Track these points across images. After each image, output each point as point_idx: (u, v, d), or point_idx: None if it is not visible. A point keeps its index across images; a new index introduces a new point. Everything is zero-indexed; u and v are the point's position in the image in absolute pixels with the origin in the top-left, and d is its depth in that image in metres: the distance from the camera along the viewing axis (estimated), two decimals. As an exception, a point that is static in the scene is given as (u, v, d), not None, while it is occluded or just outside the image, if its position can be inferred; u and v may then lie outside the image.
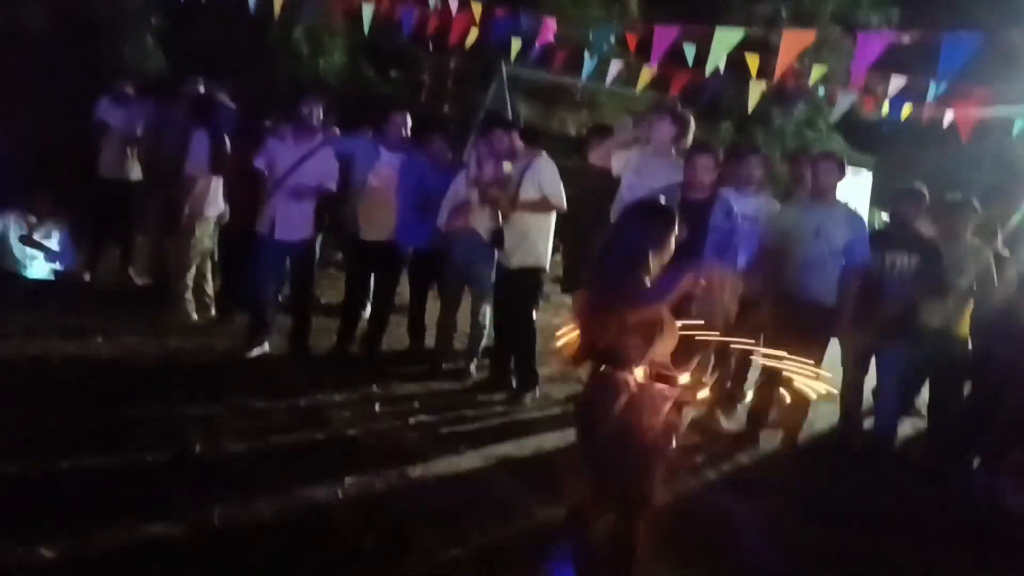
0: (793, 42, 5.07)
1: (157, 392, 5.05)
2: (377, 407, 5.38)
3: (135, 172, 7.59)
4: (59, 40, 9.87)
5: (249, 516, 3.72)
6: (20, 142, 7.49)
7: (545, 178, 5.86)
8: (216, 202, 6.70)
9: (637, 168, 5.60)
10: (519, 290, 5.91)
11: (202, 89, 7.25)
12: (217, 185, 6.65)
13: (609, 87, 9.18)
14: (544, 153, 6.02)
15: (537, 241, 5.90)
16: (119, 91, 7.58)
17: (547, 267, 6.09)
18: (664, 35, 5.72)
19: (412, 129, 6.52)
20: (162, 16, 9.83)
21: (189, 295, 6.67)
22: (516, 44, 7.58)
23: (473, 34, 7.33)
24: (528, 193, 5.82)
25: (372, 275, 6.60)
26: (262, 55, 10.09)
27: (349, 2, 7.60)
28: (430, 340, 6.65)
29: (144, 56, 9.54)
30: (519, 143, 6.00)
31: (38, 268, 6.77)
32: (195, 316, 6.67)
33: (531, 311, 5.98)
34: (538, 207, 5.84)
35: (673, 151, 5.59)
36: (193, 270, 6.68)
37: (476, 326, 6.26)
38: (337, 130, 6.70)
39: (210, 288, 6.91)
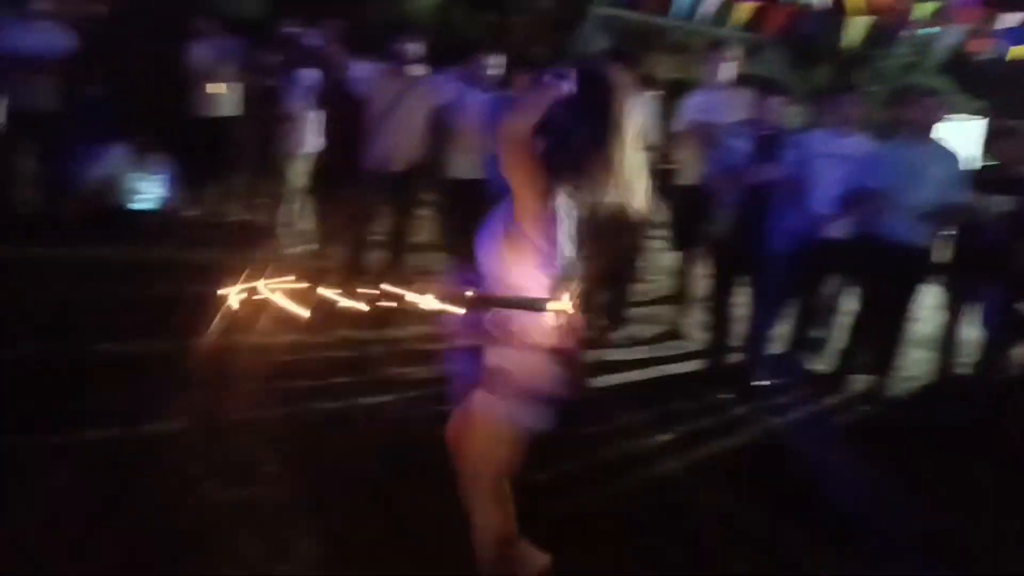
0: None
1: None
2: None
3: (228, 109, 7.81)
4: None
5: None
6: (124, 83, 7.81)
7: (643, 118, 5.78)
8: (310, 140, 6.89)
9: (703, 108, 5.73)
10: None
11: (294, 30, 7.42)
12: (310, 123, 6.83)
13: (700, 26, 8.98)
14: (648, 94, 5.90)
15: (636, 181, 5.82)
16: (212, 31, 7.80)
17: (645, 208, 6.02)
18: None
19: (504, 71, 6.53)
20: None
21: (283, 230, 6.91)
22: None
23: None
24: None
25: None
26: (356, -4, 10.21)
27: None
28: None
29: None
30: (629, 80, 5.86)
31: (146, 203, 7.10)
32: (291, 251, 6.91)
33: (629, 256, 6.01)
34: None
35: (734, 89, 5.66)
36: (289, 205, 6.91)
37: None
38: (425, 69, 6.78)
39: (304, 223, 7.13)
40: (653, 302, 6.90)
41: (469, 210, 6.36)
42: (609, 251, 2.76)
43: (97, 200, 6.89)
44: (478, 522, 2.64)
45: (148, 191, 7.11)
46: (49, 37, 6.69)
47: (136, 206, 7.00)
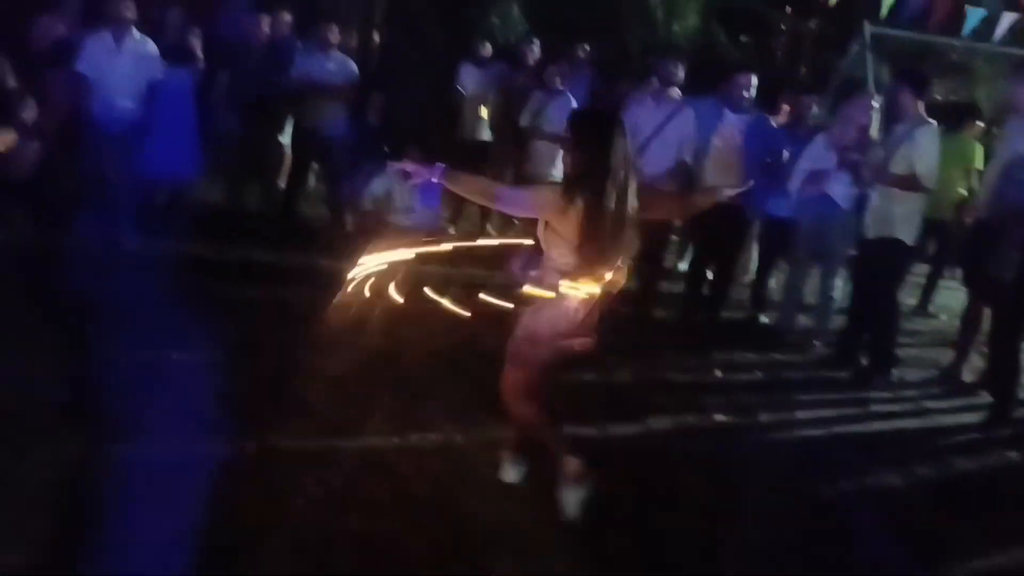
0: None
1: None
2: (718, 372, 5.36)
3: (487, 133, 8.06)
4: (433, 12, 10.85)
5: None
6: (398, 105, 8.33)
7: (919, 152, 5.30)
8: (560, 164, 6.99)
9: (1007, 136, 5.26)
10: (878, 262, 5.53)
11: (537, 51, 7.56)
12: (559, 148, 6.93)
13: (993, 47, 8.21)
14: (933, 124, 5.40)
15: (902, 210, 5.43)
16: (478, 56, 8.13)
17: (911, 241, 5.60)
18: None
19: (760, 92, 6.32)
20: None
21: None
22: (887, 0, 7.05)
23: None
24: (899, 166, 5.35)
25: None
26: (617, 21, 10.33)
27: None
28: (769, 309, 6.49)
29: (509, 24, 10.17)
30: (911, 105, 5.42)
31: (414, 220, 7.49)
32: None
33: (892, 287, 5.59)
34: (904, 183, 5.33)
35: None
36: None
37: (825, 298, 5.98)
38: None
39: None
40: (931, 342, 6.38)
41: (724, 232, 6.27)
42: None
43: (374, 216, 7.36)
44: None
45: (417, 209, 7.50)
46: (336, 65, 7.27)
47: (406, 223, 7.40)
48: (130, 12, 6.28)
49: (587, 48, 7.77)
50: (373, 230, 7.29)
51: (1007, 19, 6.64)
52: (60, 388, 3.83)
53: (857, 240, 5.70)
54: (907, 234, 5.46)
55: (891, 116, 5.50)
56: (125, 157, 6.31)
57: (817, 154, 5.75)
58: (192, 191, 7.45)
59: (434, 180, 3.23)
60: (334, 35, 7.37)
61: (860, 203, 5.50)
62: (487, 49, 8.12)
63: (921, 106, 5.42)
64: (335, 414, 4.03)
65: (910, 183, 5.33)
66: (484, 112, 7.86)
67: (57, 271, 5.45)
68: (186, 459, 3.34)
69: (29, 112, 6.34)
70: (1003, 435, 4.88)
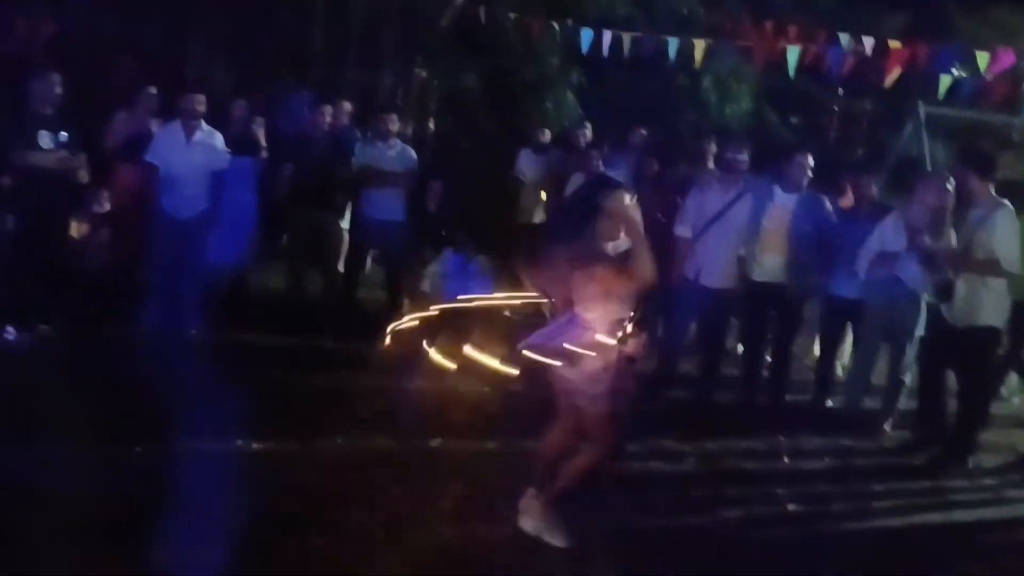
0: None
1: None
2: (786, 459, 5.22)
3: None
4: (489, 100, 11.12)
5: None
6: (453, 192, 8.45)
7: (999, 237, 5.15)
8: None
9: None
10: (972, 352, 5.34)
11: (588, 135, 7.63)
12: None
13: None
14: (1009, 206, 5.28)
15: (991, 296, 5.26)
16: (536, 142, 8.25)
17: (1001, 326, 5.42)
18: None
19: (814, 172, 6.29)
20: (581, 73, 10.62)
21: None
22: (944, 80, 7.04)
23: (895, 74, 6.99)
24: (979, 251, 5.20)
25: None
26: (669, 105, 10.46)
27: (769, 48, 7.60)
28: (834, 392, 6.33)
29: (564, 111, 10.36)
30: (979, 188, 5.35)
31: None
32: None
33: (986, 376, 5.43)
34: (984, 269, 5.19)
35: None
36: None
37: (896, 381, 5.82)
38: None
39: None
40: (1005, 426, 6.17)
41: (772, 312, 6.16)
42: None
43: (431, 300, 7.41)
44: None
45: (468, 291, 7.52)
46: (396, 153, 7.42)
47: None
48: (201, 106, 6.51)
49: (643, 132, 7.84)
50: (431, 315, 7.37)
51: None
52: (128, 478, 3.86)
53: (940, 327, 5.53)
54: (998, 320, 5.32)
55: (959, 199, 5.38)
56: (191, 245, 6.48)
57: (887, 235, 5.66)
58: (253, 278, 7.62)
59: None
60: (393, 124, 7.55)
61: (942, 289, 5.33)
62: (545, 136, 8.25)
63: (991, 188, 5.33)
64: (401, 502, 3.99)
65: (993, 269, 5.18)
66: (543, 196, 7.93)
67: (123, 358, 5.58)
68: (251, 550, 3.31)
69: (101, 204, 6.59)
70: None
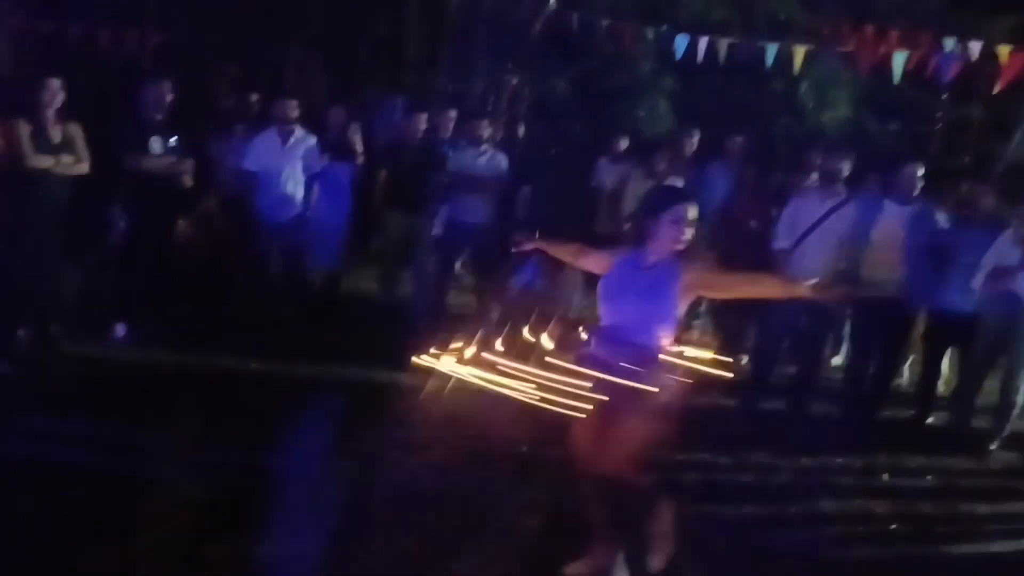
0: None
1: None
2: (886, 476, 5.04)
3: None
4: (580, 106, 11.10)
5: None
6: (541, 198, 8.43)
7: None
8: None
9: None
10: None
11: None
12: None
13: None
14: None
15: None
16: (614, 150, 8.14)
17: None
18: None
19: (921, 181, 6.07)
20: (674, 79, 10.49)
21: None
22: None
23: (1004, 79, 6.71)
24: None
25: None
26: (764, 112, 10.26)
27: (871, 53, 7.38)
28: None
29: (656, 117, 10.25)
30: None
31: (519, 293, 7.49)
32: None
33: None
34: None
35: None
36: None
37: (1007, 400, 5.57)
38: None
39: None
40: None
41: (884, 326, 5.96)
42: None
43: (520, 305, 7.43)
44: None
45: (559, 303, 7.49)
46: (488, 159, 7.48)
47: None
48: (294, 112, 6.75)
49: (740, 139, 7.68)
50: (519, 318, 7.39)
51: None
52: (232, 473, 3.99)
53: None
54: None
55: None
56: (289, 247, 6.68)
57: (1004, 249, 5.43)
58: (347, 280, 7.78)
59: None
60: (485, 129, 7.61)
61: None
62: (623, 143, 8.11)
63: None
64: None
65: None
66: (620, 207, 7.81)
67: (227, 355, 5.78)
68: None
69: (204, 207, 6.85)
70: None
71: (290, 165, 6.76)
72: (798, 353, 6.26)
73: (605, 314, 3.42)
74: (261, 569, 3.26)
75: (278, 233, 6.78)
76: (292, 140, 6.77)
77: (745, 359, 6.43)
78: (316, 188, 6.99)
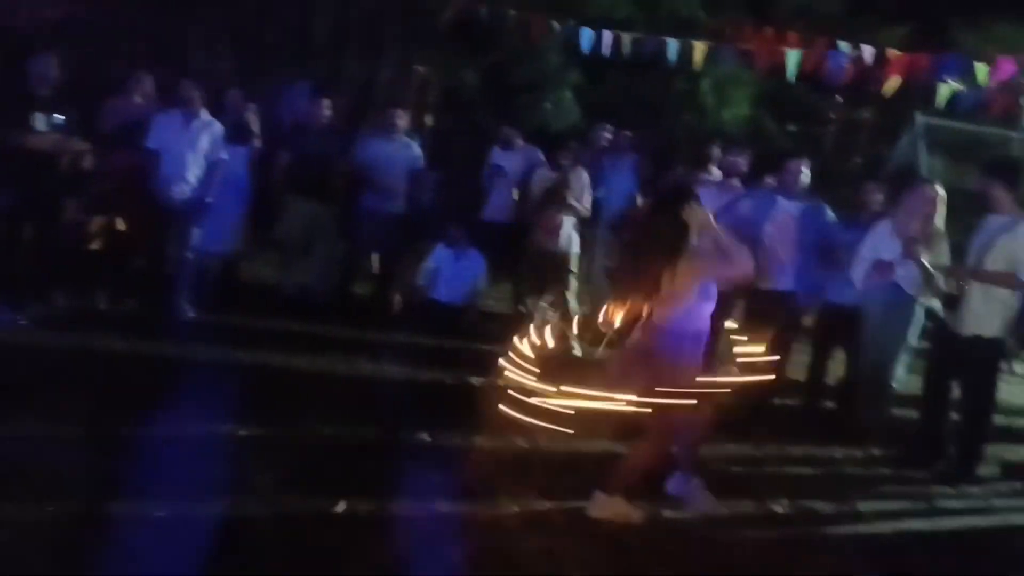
0: None
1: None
2: (772, 464, 5.19)
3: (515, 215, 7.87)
4: (487, 99, 11.11)
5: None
6: (448, 186, 8.41)
7: (1021, 248, 5.09)
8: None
9: None
10: (975, 360, 5.31)
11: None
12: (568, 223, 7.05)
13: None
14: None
15: (1001, 305, 5.22)
16: (506, 140, 8.14)
17: (1004, 335, 5.42)
18: None
19: (813, 181, 6.29)
20: (580, 73, 10.60)
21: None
22: (944, 90, 7.06)
23: (894, 82, 7.00)
24: (995, 262, 5.13)
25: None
26: (667, 108, 10.47)
27: (769, 53, 7.60)
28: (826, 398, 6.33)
29: (562, 110, 10.34)
30: (1004, 198, 5.24)
31: (457, 296, 7.47)
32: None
33: (990, 384, 5.35)
34: (1000, 280, 5.13)
35: None
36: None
37: (887, 388, 5.81)
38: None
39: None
40: (1006, 438, 6.15)
41: (773, 319, 6.15)
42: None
43: (419, 291, 7.41)
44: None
45: (458, 287, 7.49)
46: (398, 148, 7.42)
47: (447, 300, 7.40)
48: (198, 94, 6.56)
49: (629, 134, 7.81)
50: (422, 307, 7.37)
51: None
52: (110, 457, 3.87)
53: (944, 337, 5.53)
54: (1003, 330, 5.34)
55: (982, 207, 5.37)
56: (186, 232, 6.49)
57: (881, 243, 5.64)
58: (247, 266, 7.61)
59: None
60: (400, 119, 7.55)
61: (949, 298, 5.34)
62: (515, 134, 8.10)
63: (1012, 198, 5.28)
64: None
65: (1010, 281, 5.14)
66: (515, 195, 7.83)
67: (117, 338, 5.60)
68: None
69: (99, 188, 6.60)
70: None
71: (191, 149, 6.54)
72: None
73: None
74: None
75: (174, 217, 6.57)
76: (195, 123, 6.56)
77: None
78: (215, 172, 6.77)
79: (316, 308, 7.03)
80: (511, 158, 8.02)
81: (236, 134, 7.00)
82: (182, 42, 10.22)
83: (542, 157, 7.81)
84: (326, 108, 7.35)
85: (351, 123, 7.97)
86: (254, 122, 7.30)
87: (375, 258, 7.71)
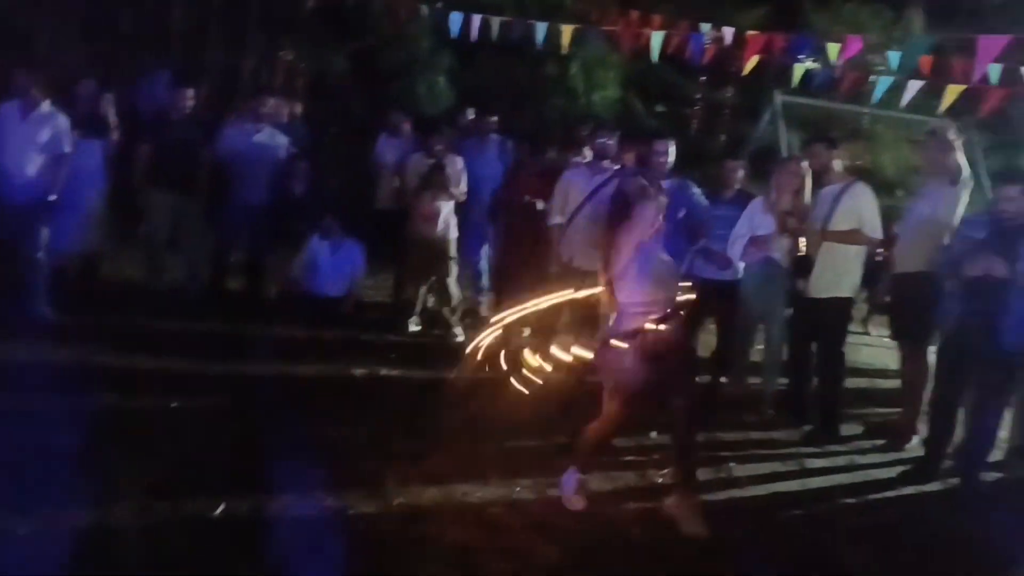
0: None
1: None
2: (654, 434, 5.32)
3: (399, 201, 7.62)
4: (359, 85, 10.93)
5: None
6: (321, 175, 8.22)
7: (864, 206, 5.59)
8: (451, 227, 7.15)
9: (929, 198, 5.56)
10: (829, 321, 5.71)
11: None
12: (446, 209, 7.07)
13: (899, 114, 8.68)
14: (860, 181, 5.78)
15: (848, 268, 5.65)
16: (394, 127, 7.96)
17: (855, 296, 5.92)
18: (989, 47, 5.10)
19: (679, 160, 6.42)
20: (452, 57, 10.54)
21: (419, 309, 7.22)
22: (798, 70, 7.37)
23: (752, 62, 7.25)
24: (841, 223, 5.58)
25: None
26: (537, 91, 10.55)
27: (634, 34, 7.74)
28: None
29: (435, 95, 10.26)
30: (834, 162, 5.80)
31: (335, 288, 7.34)
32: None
33: (841, 344, 5.77)
34: (849, 238, 5.58)
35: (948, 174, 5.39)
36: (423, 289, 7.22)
37: (772, 360, 6.07)
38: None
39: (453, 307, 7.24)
40: (866, 398, 6.55)
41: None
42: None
43: (295, 284, 7.25)
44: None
45: (336, 278, 7.36)
46: (266, 137, 7.21)
47: (325, 291, 7.28)
48: (40, 84, 6.14)
49: (495, 119, 7.80)
50: (298, 299, 7.21)
51: (912, 87, 6.97)
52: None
53: (800, 302, 5.80)
54: (852, 290, 5.76)
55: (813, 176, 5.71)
56: (32, 229, 6.10)
57: (756, 219, 5.83)
58: (110, 264, 7.27)
59: None
60: (267, 107, 7.32)
61: (801, 265, 5.62)
62: (402, 120, 7.97)
63: (841, 164, 5.71)
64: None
65: (859, 238, 5.58)
66: (398, 182, 7.72)
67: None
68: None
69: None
70: (928, 487, 5.00)
71: (30, 142, 6.11)
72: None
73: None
74: None
75: (18, 215, 6.13)
76: (35, 115, 6.14)
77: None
78: (62, 168, 6.33)
79: (187, 305, 6.79)
80: (397, 145, 7.88)
81: (90, 126, 6.64)
82: (28, 31, 9.62)
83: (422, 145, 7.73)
84: (188, 97, 7.07)
85: (215, 112, 7.67)
86: (111, 113, 6.94)
87: (246, 252, 7.47)
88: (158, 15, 10.56)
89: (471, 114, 7.97)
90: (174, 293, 6.99)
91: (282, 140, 7.32)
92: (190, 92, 7.13)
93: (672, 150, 6.10)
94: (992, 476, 5.19)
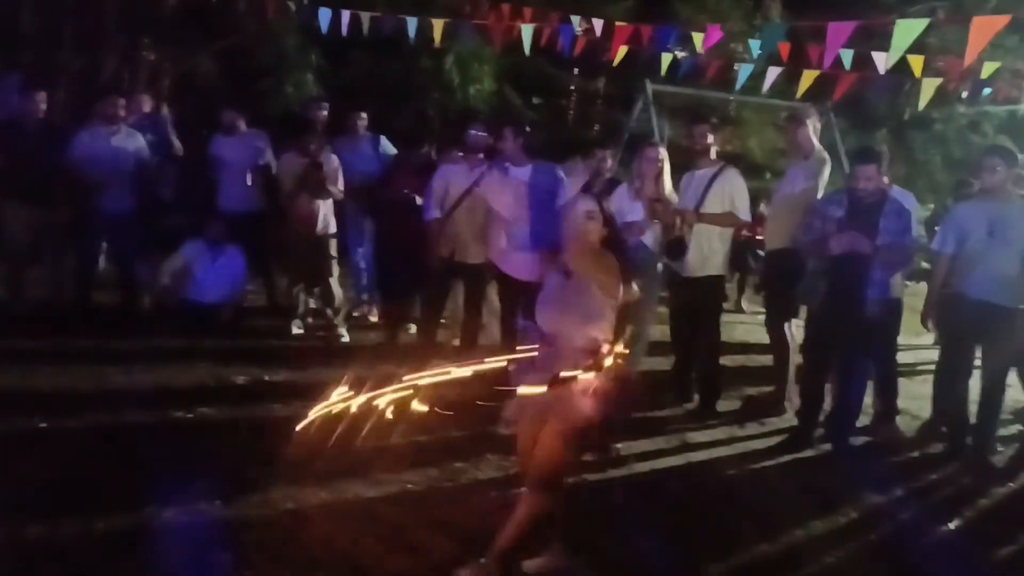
0: (984, 28, 4.59)
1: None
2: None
3: (251, 203, 7.42)
4: (226, 85, 10.60)
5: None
6: (191, 178, 7.91)
7: (736, 190, 5.84)
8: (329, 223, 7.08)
9: (792, 179, 5.93)
10: (705, 299, 5.95)
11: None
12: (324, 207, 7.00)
13: (762, 99, 9.04)
14: (731, 166, 6.03)
15: (716, 247, 5.87)
16: (230, 125, 7.53)
17: (725, 274, 6.16)
18: (838, 33, 5.38)
19: (558, 150, 6.48)
20: (321, 54, 10.35)
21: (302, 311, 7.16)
22: (666, 59, 7.57)
23: (621, 52, 7.40)
24: (714, 205, 5.79)
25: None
26: (413, 86, 10.48)
27: (506, 28, 7.77)
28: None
29: (303, 92, 10.05)
30: (706, 148, 6.02)
31: (215, 295, 7.09)
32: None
33: (717, 320, 6.03)
34: (722, 220, 5.82)
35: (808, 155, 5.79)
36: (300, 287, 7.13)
37: (644, 340, 6.20)
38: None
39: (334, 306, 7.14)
40: (744, 375, 6.79)
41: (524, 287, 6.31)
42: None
43: (170, 295, 6.99)
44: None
45: (217, 285, 7.13)
46: (123, 141, 6.90)
47: (205, 299, 7.03)
48: None
49: (363, 116, 7.64)
50: (172, 308, 6.93)
51: (772, 73, 7.27)
52: None
53: (676, 285, 6.01)
54: (722, 268, 5.98)
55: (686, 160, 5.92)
56: None
57: (623, 206, 5.91)
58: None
59: None
60: (121, 108, 7.00)
61: (675, 248, 5.78)
62: (238, 119, 7.66)
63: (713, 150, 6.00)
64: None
65: (731, 220, 5.82)
66: (249, 180, 7.42)
67: None
68: None
69: None
70: (803, 454, 5.26)
71: None
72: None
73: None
74: None
75: None
76: None
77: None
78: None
79: (54, 322, 6.45)
80: (234, 144, 7.50)
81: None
82: None
83: (266, 142, 7.52)
84: (40, 102, 6.70)
85: (71, 117, 7.29)
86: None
87: (113, 261, 7.14)
88: (5, 14, 9.96)
89: (324, 109, 7.69)
90: (39, 310, 6.63)
91: (141, 141, 7.01)
92: (42, 96, 6.76)
93: (516, 135, 5.95)
94: (860, 440, 5.52)
